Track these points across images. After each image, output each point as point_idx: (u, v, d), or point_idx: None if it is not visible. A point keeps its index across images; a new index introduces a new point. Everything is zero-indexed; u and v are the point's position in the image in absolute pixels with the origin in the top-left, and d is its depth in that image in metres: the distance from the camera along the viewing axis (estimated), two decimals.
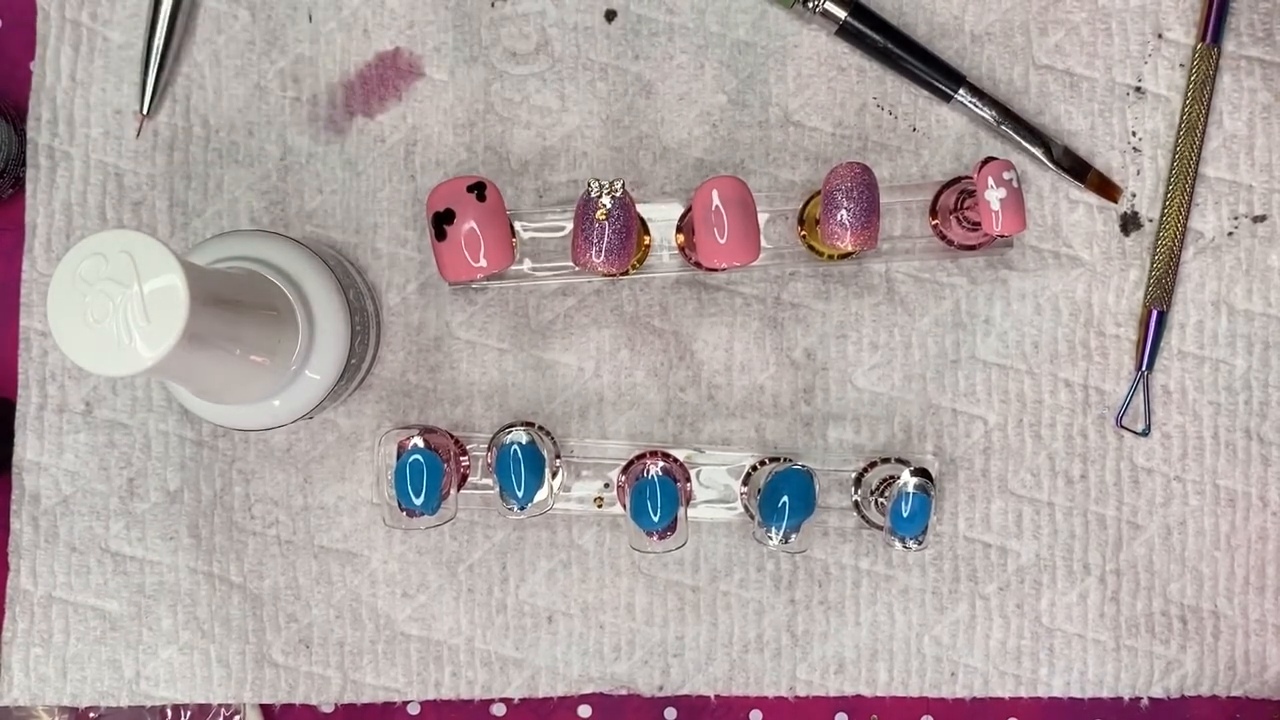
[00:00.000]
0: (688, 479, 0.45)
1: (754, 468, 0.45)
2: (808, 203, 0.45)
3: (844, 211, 0.41)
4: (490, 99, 0.47)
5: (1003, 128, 0.46)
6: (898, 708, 0.48)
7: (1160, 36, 0.47)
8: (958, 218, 0.44)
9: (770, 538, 0.43)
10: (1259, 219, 0.47)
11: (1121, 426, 0.47)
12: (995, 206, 0.41)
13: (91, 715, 0.48)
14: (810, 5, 0.45)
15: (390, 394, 0.47)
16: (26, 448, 0.47)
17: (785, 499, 0.42)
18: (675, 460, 0.44)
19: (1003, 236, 0.43)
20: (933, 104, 0.47)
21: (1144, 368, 0.47)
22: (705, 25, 0.47)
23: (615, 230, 0.41)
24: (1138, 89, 0.47)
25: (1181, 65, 0.47)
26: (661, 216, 0.45)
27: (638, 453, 0.45)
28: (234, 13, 0.47)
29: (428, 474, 0.41)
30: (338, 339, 0.40)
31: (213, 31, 0.47)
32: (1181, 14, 0.47)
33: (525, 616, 0.47)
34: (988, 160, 0.42)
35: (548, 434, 0.44)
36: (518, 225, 0.45)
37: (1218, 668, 0.47)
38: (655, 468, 0.43)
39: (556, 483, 0.44)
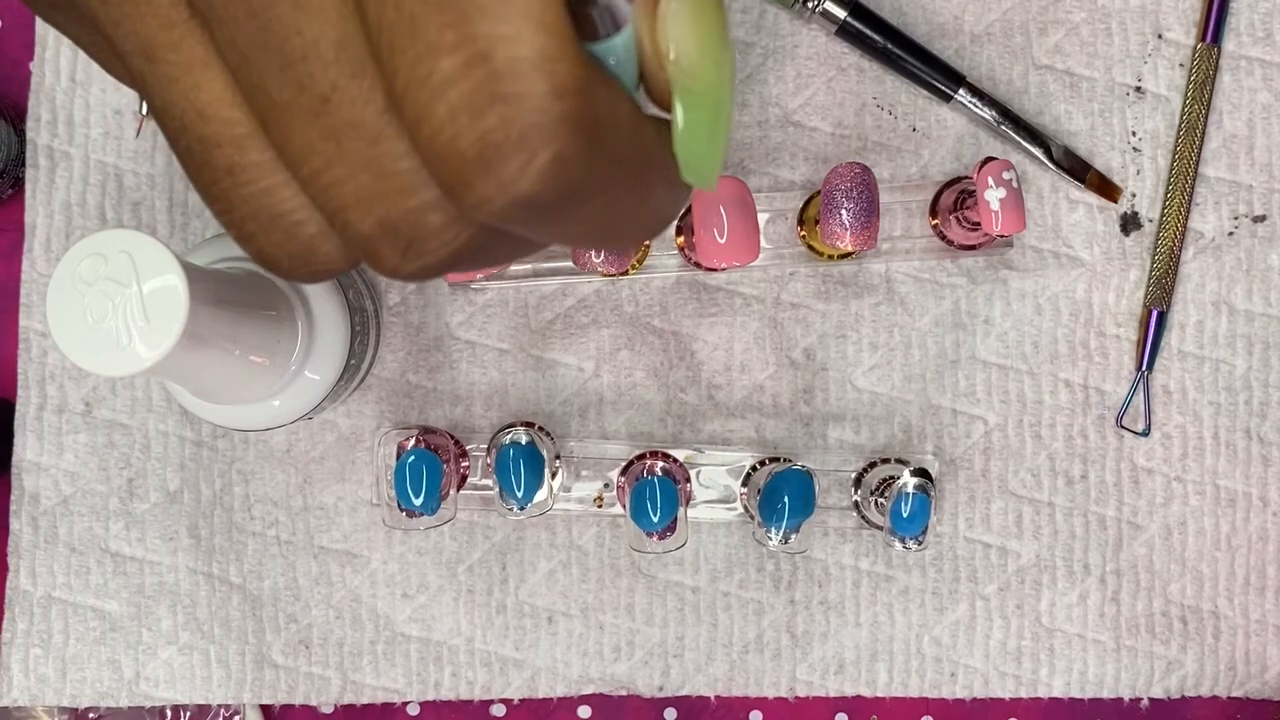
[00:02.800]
0: (687, 479, 0.45)
1: (754, 468, 0.45)
2: (808, 203, 0.45)
3: (844, 211, 0.41)
4: None
5: (1003, 128, 0.46)
6: (898, 708, 0.48)
7: (1160, 36, 0.47)
8: (958, 218, 0.44)
9: (770, 538, 0.43)
10: (1259, 219, 0.47)
11: (1122, 426, 0.47)
12: (995, 206, 0.41)
13: (91, 716, 0.48)
14: (810, 5, 0.45)
15: (390, 394, 0.47)
16: (26, 448, 0.46)
17: (785, 499, 0.42)
18: (675, 461, 0.44)
19: (1003, 236, 0.43)
20: (933, 104, 0.47)
21: (1144, 368, 0.47)
22: None
23: None
24: (1138, 89, 0.47)
25: (1181, 65, 0.47)
26: None
27: (638, 453, 0.45)
28: None
29: (427, 474, 0.41)
30: (337, 339, 0.40)
31: None
32: (1181, 14, 0.47)
33: (525, 617, 0.47)
34: (987, 160, 0.42)
35: (547, 434, 0.44)
36: None
37: (1218, 668, 0.47)
38: (655, 468, 0.43)
39: (556, 483, 0.44)
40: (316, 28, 0.17)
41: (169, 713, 0.48)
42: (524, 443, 0.42)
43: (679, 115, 0.18)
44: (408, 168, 0.18)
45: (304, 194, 0.19)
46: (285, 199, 0.19)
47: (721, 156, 0.19)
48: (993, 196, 0.41)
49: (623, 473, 0.45)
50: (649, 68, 0.18)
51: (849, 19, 0.45)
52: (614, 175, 0.18)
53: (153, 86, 0.19)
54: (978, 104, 0.46)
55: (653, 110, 0.19)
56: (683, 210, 0.22)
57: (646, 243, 0.45)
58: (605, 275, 0.45)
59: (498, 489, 0.42)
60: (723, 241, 0.41)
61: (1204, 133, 0.47)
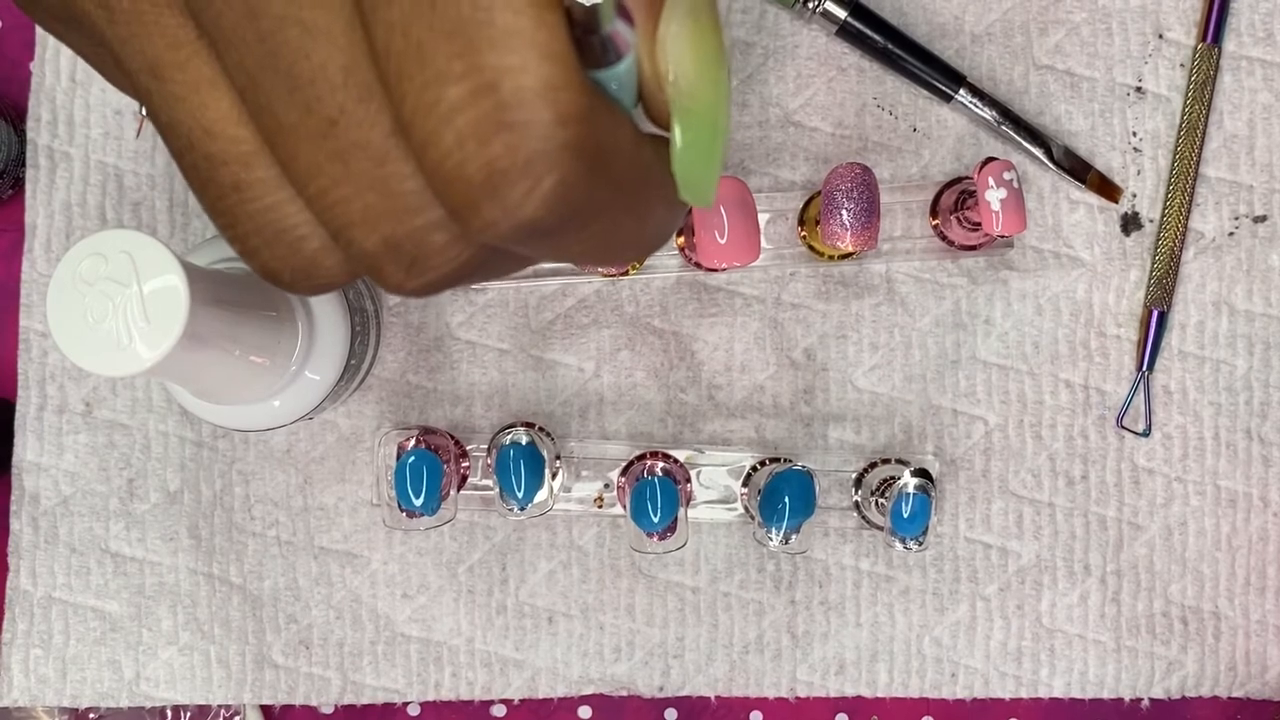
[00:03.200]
0: (688, 479, 0.45)
1: (754, 468, 0.45)
2: (808, 203, 0.45)
3: (844, 212, 0.41)
4: None
5: (1003, 128, 0.46)
6: (898, 708, 0.48)
7: (1161, 36, 0.47)
8: (958, 218, 0.44)
9: (770, 538, 0.42)
10: (1259, 219, 0.47)
11: (1122, 427, 0.47)
12: (995, 207, 0.41)
13: (91, 716, 0.48)
14: (810, 5, 0.45)
15: (390, 394, 0.47)
16: (26, 448, 0.46)
17: (785, 499, 0.42)
18: (675, 461, 0.44)
19: (1003, 237, 0.43)
20: (933, 104, 0.47)
21: (1144, 368, 0.47)
22: None
23: None
24: (1138, 89, 0.47)
25: (1182, 65, 0.47)
26: None
27: (638, 453, 0.45)
28: None
29: (427, 475, 0.41)
30: (337, 339, 0.40)
31: None
32: (1182, 14, 0.47)
33: (525, 617, 0.47)
34: (988, 160, 0.42)
35: (548, 434, 0.44)
36: None
37: (1218, 668, 0.47)
38: (655, 468, 0.43)
39: (556, 483, 0.44)
40: (324, 52, 0.17)
41: (169, 713, 0.48)
42: (524, 443, 0.42)
43: (677, 135, 0.19)
44: (412, 188, 0.18)
45: (308, 211, 0.19)
46: (289, 215, 0.20)
47: (718, 175, 0.20)
48: (993, 197, 0.41)
49: (623, 473, 0.45)
50: (648, 88, 0.19)
51: (849, 19, 0.45)
52: (615, 198, 0.18)
53: (159, 103, 0.19)
54: (978, 104, 0.46)
55: (650, 128, 0.19)
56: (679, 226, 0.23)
57: None
58: (605, 275, 0.46)
59: (498, 489, 0.42)
60: (723, 242, 0.41)
61: (1204, 133, 0.47)
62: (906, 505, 0.42)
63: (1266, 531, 0.47)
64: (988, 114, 0.46)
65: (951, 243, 0.45)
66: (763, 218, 0.45)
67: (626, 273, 0.45)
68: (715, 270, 0.45)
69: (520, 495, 0.42)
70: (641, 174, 0.19)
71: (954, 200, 0.44)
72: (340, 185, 0.18)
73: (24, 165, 0.47)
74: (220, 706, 0.47)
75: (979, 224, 0.42)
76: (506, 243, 0.18)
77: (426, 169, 0.17)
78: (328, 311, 0.40)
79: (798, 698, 0.47)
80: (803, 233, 0.45)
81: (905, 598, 0.47)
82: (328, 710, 0.48)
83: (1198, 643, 0.47)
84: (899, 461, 0.45)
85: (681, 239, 0.44)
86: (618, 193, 0.18)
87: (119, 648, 0.47)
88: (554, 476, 0.44)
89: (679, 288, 0.47)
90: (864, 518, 0.45)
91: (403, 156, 0.18)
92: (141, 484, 0.47)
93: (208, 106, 0.19)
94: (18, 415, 0.47)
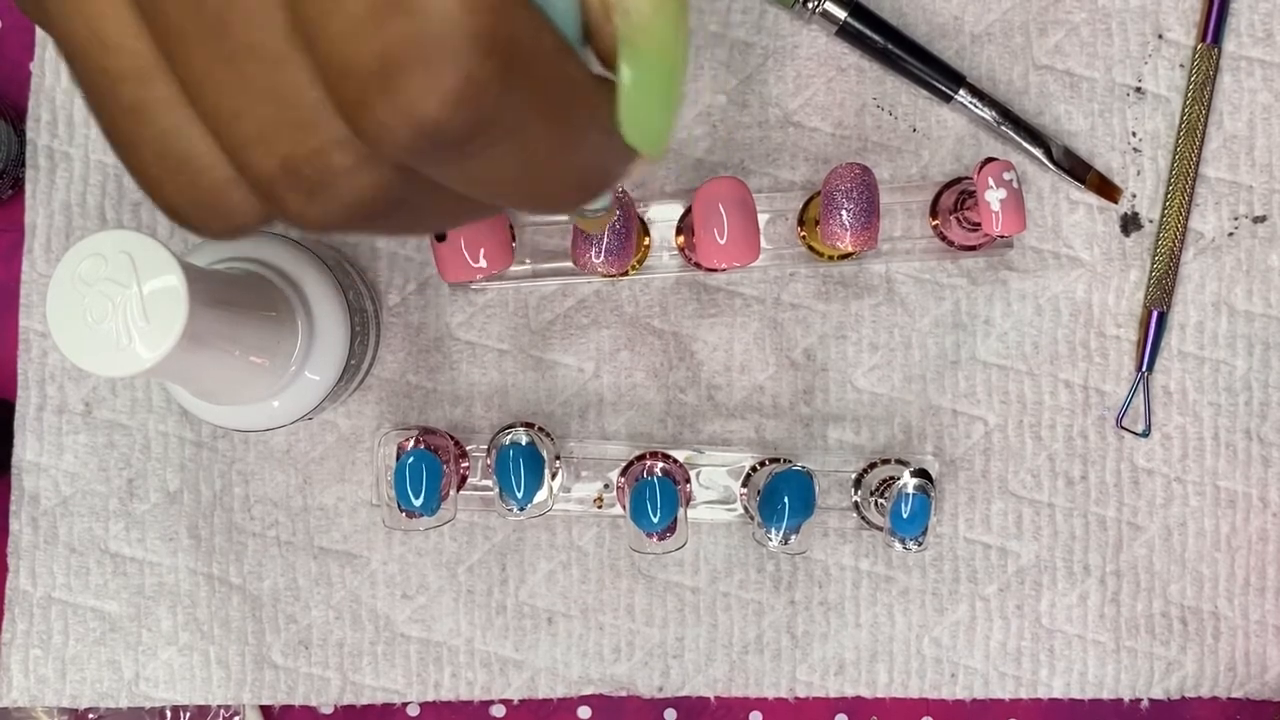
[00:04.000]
0: (687, 480, 0.45)
1: (754, 468, 0.45)
2: (808, 203, 0.45)
3: (844, 212, 0.41)
4: None
5: (1003, 128, 0.46)
6: (898, 709, 0.48)
7: (1160, 36, 0.47)
8: (958, 218, 0.44)
9: (770, 539, 0.42)
10: (1259, 219, 0.47)
11: (1122, 427, 0.47)
12: (995, 207, 0.41)
13: (91, 716, 0.48)
14: (810, 6, 0.45)
15: (390, 395, 0.47)
16: (26, 448, 0.46)
17: (785, 500, 0.42)
18: (675, 461, 0.44)
19: (1003, 237, 0.43)
20: (933, 104, 0.47)
21: (1144, 368, 0.47)
22: (704, 26, 0.47)
23: (615, 231, 0.41)
24: (1138, 89, 0.47)
25: (1182, 65, 0.47)
26: (661, 217, 0.45)
27: (637, 454, 0.45)
28: None
29: (427, 475, 0.41)
30: (337, 340, 0.40)
31: None
32: (1181, 14, 0.47)
33: (525, 618, 0.47)
34: (988, 161, 0.42)
35: (547, 435, 0.44)
36: (517, 226, 0.45)
37: (1218, 669, 0.47)
38: (655, 469, 0.43)
39: (556, 484, 0.44)
40: None
41: (169, 713, 0.48)
42: (524, 443, 0.42)
43: (625, 74, 0.17)
44: (311, 100, 0.17)
45: (210, 136, 0.18)
46: (192, 141, 0.18)
47: (672, 124, 0.18)
48: (993, 197, 0.41)
49: (623, 473, 0.45)
50: (594, 19, 0.17)
51: (849, 19, 0.45)
52: (533, 111, 0.16)
53: (54, 14, 0.18)
54: (978, 104, 0.46)
55: (600, 70, 0.18)
56: (635, 176, 0.21)
57: (646, 241, 0.45)
58: (605, 276, 0.45)
59: (498, 489, 0.42)
60: (723, 242, 0.41)
61: (1204, 133, 0.47)
62: (906, 505, 0.42)
63: (1266, 532, 0.47)
64: (987, 114, 0.46)
65: (951, 243, 0.45)
66: (762, 218, 0.45)
67: (626, 272, 0.45)
68: (715, 270, 0.45)
69: (520, 495, 0.42)
70: (566, 88, 0.17)
71: (954, 200, 0.44)
72: (234, 95, 0.17)
73: (24, 165, 0.47)
74: (220, 707, 0.47)
75: (979, 224, 0.42)
76: (411, 157, 0.16)
77: (319, 65, 0.16)
78: (327, 311, 0.40)
79: (797, 698, 0.47)
80: (802, 233, 0.45)
81: (905, 598, 0.47)
82: (327, 710, 0.48)
83: (1197, 643, 0.47)
84: (899, 462, 0.45)
85: (681, 239, 0.44)
86: (538, 104, 0.16)
87: (118, 648, 0.47)
88: (554, 477, 0.44)
89: (678, 288, 0.47)
90: (863, 518, 0.45)
91: (300, 64, 0.16)
92: (141, 484, 0.47)
93: (105, 16, 0.18)
94: (17, 415, 0.47)
